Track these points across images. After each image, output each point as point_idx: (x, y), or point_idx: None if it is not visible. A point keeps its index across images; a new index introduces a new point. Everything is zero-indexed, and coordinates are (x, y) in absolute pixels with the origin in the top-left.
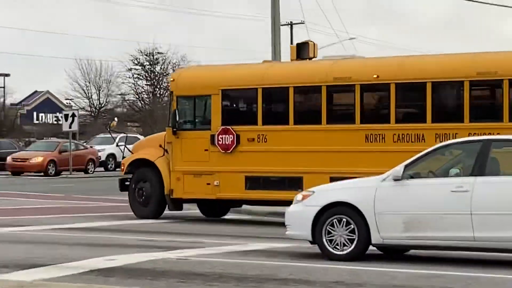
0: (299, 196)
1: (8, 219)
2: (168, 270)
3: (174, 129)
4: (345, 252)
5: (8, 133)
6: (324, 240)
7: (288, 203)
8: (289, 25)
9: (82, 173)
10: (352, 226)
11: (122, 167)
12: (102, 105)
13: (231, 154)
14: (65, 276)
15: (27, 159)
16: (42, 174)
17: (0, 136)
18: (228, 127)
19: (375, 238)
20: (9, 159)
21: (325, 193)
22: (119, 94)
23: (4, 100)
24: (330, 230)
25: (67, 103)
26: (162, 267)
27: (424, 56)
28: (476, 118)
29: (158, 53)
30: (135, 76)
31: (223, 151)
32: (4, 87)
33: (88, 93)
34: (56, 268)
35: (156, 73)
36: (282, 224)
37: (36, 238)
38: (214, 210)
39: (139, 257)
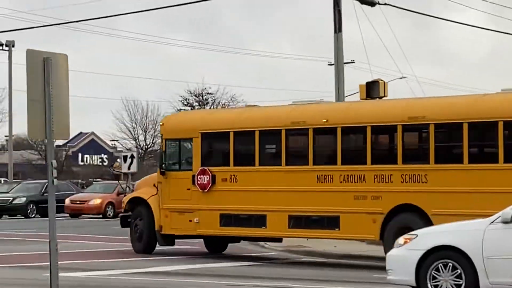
0: (401, 240)
1: (84, 263)
2: None
3: (162, 170)
4: None
5: (58, 175)
6: (429, 285)
7: (255, 239)
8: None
9: None
10: (458, 271)
11: (123, 205)
12: (149, 146)
13: (208, 193)
14: None
15: (86, 201)
16: (100, 216)
17: None
18: (205, 168)
19: (483, 283)
20: (67, 201)
21: (429, 236)
22: None
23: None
24: (435, 275)
25: (112, 144)
26: None
27: (365, 102)
28: (407, 160)
29: (208, 93)
30: None
31: (201, 190)
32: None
33: (134, 134)
34: None
35: None
36: (354, 267)
37: (125, 283)
38: (216, 245)
39: None
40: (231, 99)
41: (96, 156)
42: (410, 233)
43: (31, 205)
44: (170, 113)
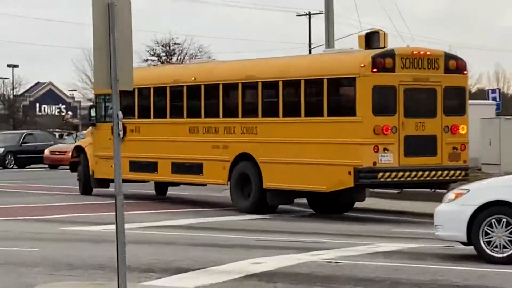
0: (451, 195)
1: (92, 216)
2: (331, 275)
3: (92, 122)
4: (505, 254)
5: (21, 126)
6: (481, 241)
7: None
8: (307, 15)
9: None
10: None
11: (72, 153)
12: None
13: (122, 143)
14: (224, 282)
15: (66, 152)
16: None
17: (13, 128)
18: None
19: None
20: (46, 152)
21: (482, 192)
22: None
23: (13, 91)
24: (488, 231)
25: (70, 94)
26: (320, 271)
27: (227, 62)
28: (244, 114)
29: (175, 43)
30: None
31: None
32: (13, 79)
33: None
34: (206, 272)
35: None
36: (365, 220)
37: (147, 238)
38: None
39: (285, 260)
40: (198, 50)
41: (54, 106)
42: (461, 187)
43: (9, 156)
44: (136, 63)
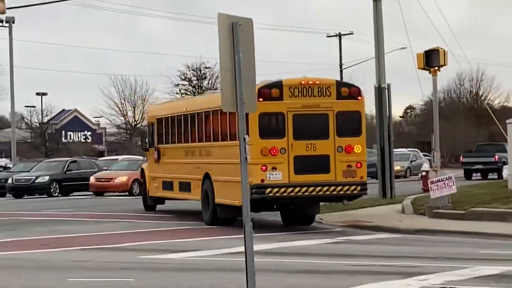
0: None
1: (165, 243)
2: None
3: (144, 147)
4: None
5: (54, 153)
6: None
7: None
8: (338, 36)
9: None
10: None
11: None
12: (137, 122)
13: (158, 164)
14: None
15: (112, 178)
16: (126, 194)
17: (45, 155)
18: (156, 145)
19: None
20: (92, 179)
21: None
22: None
23: (42, 119)
24: None
25: (95, 121)
26: None
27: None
28: (206, 139)
29: (206, 67)
30: (182, 91)
31: (157, 163)
32: (42, 107)
33: (123, 111)
34: None
35: (204, 88)
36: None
37: (236, 265)
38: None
39: (396, 286)
40: None
41: (80, 133)
42: None
43: (54, 184)
44: (169, 88)
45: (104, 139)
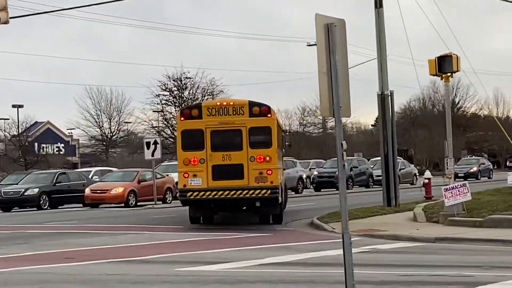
0: None
1: (195, 254)
2: None
3: None
4: None
5: (31, 165)
6: None
7: None
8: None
9: (161, 202)
10: None
11: None
12: (113, 133)
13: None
14: None
15: (107, 190)
16: (122, 205)
17: (25, 168)
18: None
19: None
20: (87, 190)
21: None
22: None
23: (18, 132)
24: None
25: (68, 133)
26: None
27: None
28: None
29: (186, 78)
30: (163, 102)
31: None
32: (18, 119)
33: (99, 122)
34: None
35: (185, 98)
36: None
37: (284, 276)
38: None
39: None
40: (210, 83)
41: (53, 145)
42: None
43: (43, 196)
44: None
45: (77, 151)
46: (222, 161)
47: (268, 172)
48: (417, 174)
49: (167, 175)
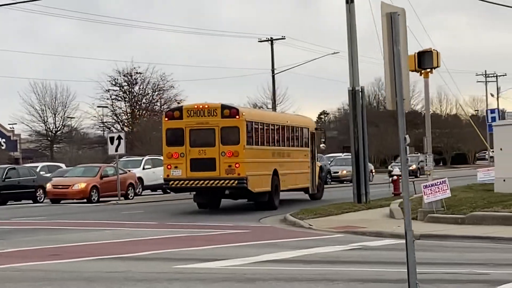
0: None
1: (187, 251)
2: None
3: None
4: None
5: None
6: None
7: None
8: (270, 41)
9: (123, 198)
10: None
11: None
12: (59, 128)
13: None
14: None
15: (69, 185)
16: (85, 201)
17: None
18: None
19: None
20: (49, 186)
21: None
22: (94, 117)
23: None
24: None
25: (10, 128)
26: None
27: None
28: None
29: (137, 73)
30: (112, 97)
31: None
32: None
33: (43, 117)
34: None
35: (135, 94)
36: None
37: (293, 274)
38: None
39: None
40: (161, 79)
41: None
42: None
43: None
44: (99, 93)
45: (19, 146)
46: (198, 155)
47: (236, 165)
48: (373, 170)
49: (129, 171)
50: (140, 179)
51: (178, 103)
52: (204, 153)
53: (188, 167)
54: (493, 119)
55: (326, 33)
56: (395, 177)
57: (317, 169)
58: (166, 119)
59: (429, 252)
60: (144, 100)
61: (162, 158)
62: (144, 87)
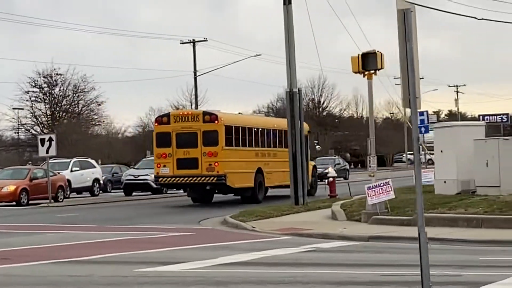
0: None
1: (141, 254)
2: None
3: None
4: None
5: None
6: None
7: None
8: (192, 43)
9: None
10: None
11: None
12: None
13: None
14: None
15: (0, 187)
16: (14, 204)
17: None
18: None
19: None
20: None
21: None
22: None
23: None
24: None
25: None
26: None
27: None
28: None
29: (57, 74)
30: (32, 99)
31: None
32: None
33: None
34: None
35: (55, 95)
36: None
37: (263, 277)
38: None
39: None
40: (82, 80)
41: None
42: None
43: None
44: (18, 95)
45: None
46: (183, 156)
47: (215, 164)
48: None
49: (58, 173)
50: (68, 181)
51: (99, 104)
52: (188, 153)
53: (175, 166)
54: (422, 121)
55: (245, 36)
56: (331, 179)
57: (310, 168)
58: (156, 124)
59: (387, 254)
60: (64, 102)
61: (89, 160)
62: (65, 89)
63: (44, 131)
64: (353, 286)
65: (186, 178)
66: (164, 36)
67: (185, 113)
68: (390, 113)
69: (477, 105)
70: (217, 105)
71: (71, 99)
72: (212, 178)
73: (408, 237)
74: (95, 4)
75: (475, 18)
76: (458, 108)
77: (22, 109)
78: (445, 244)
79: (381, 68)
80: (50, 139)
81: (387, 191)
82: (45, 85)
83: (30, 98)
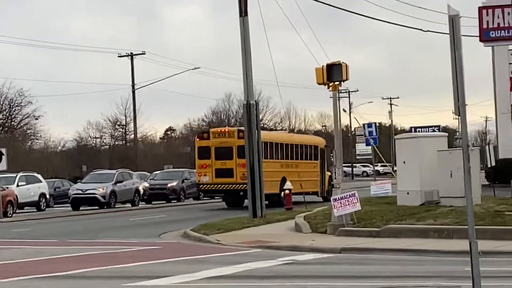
0: None
1: (119, 268)
2: None
3: None
4: None
5: None
6: None
7: None
8: (130, 56)
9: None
10: None
11: None
12: None
13: None
14: None
15: None
16: None
17: None
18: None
19: None
20: None
21: None
22: None
23: None
24: None
25: None
26: None
27: None
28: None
29: None
30: None
31: None
32: None
33: None
34: None
35: None
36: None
37: None
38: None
39: None
40: (18, 94)
41: None
42: None
43: None
44: None
45: None
46: (221, 166)
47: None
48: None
49: (7, 187)
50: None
51: (36, 118)
52: (225, 164)
53: (214, 175)
54: (370, 133)
55: (176, 48)
56: (287, 191)
57: (327, 177)
58: (198, 139)
59: (366, 266)
60: (0, 116)
61: (35, 174)
62: (1, 103)
63: None
64: None
65: (223, 185)
66: (98, 49)
67: (223, 130)
68: (323, 126)
69: (407, 117)
70: (151, 119)
71: (8, 113)
72: (245, 185)
73: (380, 248)
74: (24, 16)
75: (421, 30)
76: (392, 121)
77: None
78: (420, 255)
79: (346, 79)
80: (1, 153)
81: (353, 203)
82: None
83: None
